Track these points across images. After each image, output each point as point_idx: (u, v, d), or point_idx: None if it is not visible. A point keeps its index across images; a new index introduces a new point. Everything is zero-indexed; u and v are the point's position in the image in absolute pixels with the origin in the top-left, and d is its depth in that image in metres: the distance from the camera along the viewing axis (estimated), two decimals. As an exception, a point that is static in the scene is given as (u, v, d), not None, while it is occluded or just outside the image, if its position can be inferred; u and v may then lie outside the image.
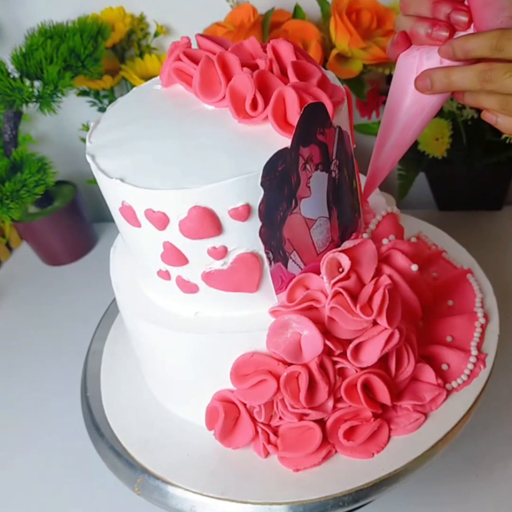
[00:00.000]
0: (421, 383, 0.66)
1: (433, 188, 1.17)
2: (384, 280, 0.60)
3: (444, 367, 0.68)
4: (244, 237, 0.57)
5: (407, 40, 0.62)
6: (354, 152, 0.63)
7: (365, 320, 0.58)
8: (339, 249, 0.60)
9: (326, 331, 0.59)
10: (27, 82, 1.01)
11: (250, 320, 0.61)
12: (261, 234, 0.56)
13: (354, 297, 0.59)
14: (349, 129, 0.61)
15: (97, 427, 0.73)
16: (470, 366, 0.68)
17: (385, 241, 0.65)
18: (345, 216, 0.62)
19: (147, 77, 1.06)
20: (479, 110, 0.63)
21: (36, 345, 1.08)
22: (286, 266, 0.59)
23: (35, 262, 1.28)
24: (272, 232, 0.57)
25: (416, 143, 1.04)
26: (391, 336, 0.60)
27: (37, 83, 1.02)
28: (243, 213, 0.55)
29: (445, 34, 0.59)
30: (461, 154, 1.06)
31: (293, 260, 0.59)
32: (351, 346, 0.60)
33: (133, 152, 0.60)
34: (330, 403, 0.62)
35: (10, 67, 1.02)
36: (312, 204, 0.58)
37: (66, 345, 1.05)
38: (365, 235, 0.65)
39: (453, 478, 0.76)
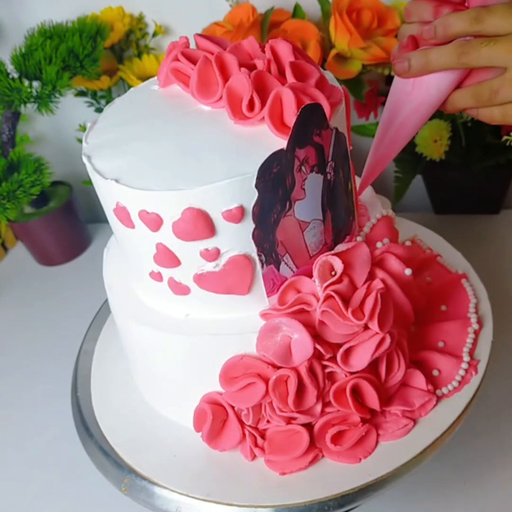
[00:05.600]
0: (411, 389, 0.66)
1: (430, 191, 1.16)
2: (377, 284, 0.60)
3: (435, 372, 0.68)
4: (236, 239, 0.57)
5: (416, 43, 0.63)
6: (350, 154, 0.63)
7: (356, 324, 0.58)
8: (332, 252, 0.60)
9: (316, 334, 0.59)
10: (26, 83, 1.01)
11: (240, 323, 0.61)
12: (254, 236, 0.56)
13: (346, 301, 0.58)
14: (346, 130, 0.61)
15: (86, 426, 0.73)
16: (461, 372, 0.67)
17: (379, 244, 0.65)
18: (339, 218, 0.62)
19: (145, 78, 1.06)
20: None
21: (28, 344, 1.08)
22: (278, 269, 0.59)
23: (29, 262, 1.28)
24: (265, 234, 0.56)
25: (413, 145, 1.03)
26: (382, 341, 0.60)
27: (35, 84, 1.02)
28: (237, 215, 0.55)
29: None
30: (459, 156, 1.05)
31: (285, 263, 0.59)
32: (342, 350, 0.60)
33: (129, 153, 0.60)
34: (318, 407, 0.62)
35: (10, 67, 1.02)
36: (306, 206, 0.58)
37: (58, 344, 1.05)
38: (359, 238, 0.65)
39: (441, 484, 0.76)
